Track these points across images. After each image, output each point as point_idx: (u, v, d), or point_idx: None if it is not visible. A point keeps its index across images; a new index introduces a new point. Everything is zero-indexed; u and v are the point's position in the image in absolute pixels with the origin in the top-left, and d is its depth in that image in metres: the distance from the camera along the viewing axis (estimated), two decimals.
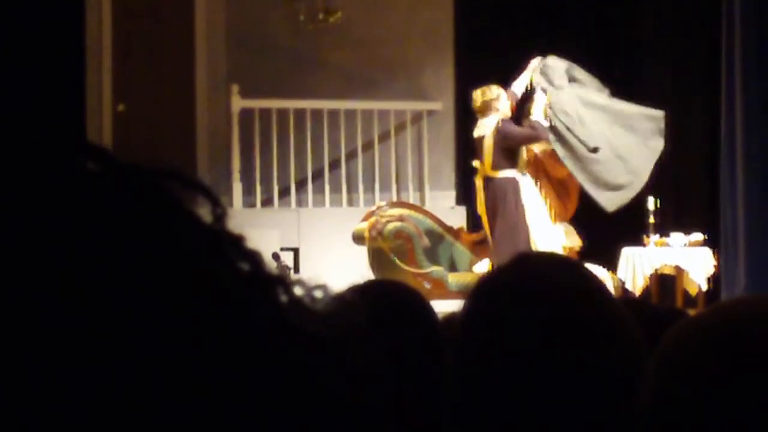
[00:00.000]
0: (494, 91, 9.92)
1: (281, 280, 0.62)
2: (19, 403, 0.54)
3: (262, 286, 0.61)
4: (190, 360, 0.56)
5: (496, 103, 9.86)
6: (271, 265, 0.62)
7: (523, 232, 9.71)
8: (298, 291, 0.63)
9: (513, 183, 9.79)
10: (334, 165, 12.36)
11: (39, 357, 0.54)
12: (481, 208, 9.90)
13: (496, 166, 9.78)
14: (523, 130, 9.79)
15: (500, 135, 9.72)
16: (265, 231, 10.59)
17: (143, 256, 0.57)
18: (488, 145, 9.78)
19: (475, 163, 10.00)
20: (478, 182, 9.93)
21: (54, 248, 0.56)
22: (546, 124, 9.90)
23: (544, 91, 10.07)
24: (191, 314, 0.57)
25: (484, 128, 9.88)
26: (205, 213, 0.62)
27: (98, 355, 0.55)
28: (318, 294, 0.64)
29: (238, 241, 0.61)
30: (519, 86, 10.11)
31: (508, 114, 9.92)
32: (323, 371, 0.61)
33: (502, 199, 9.73)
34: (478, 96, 9.97)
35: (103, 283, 0.56)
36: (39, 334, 0.55)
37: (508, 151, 9.78)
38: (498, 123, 9.78)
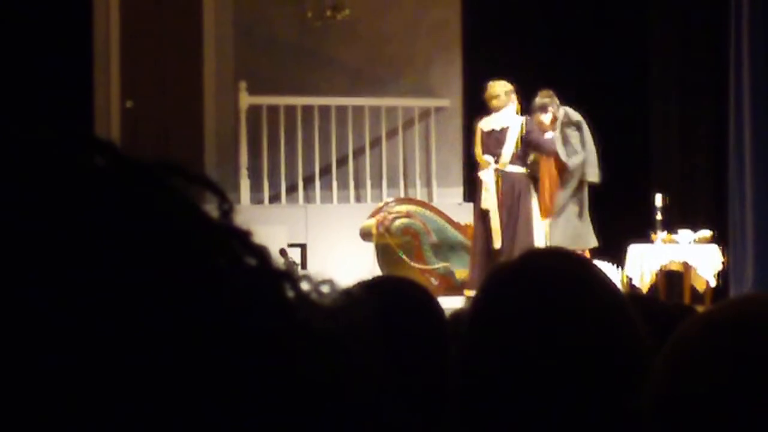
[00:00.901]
0: (506, 84, 9.86)
1: (288, 275, 0.61)
2: (19, 403, 0.54)
3: (269, 281, 0.61)
4: (191, 358, 0.56)
5: (513, 94, 9.82)
6: (279, 260, 0.62)
7: (533, 226, 9.71)
8: (305, 286, 0.62)
9: (527, 179, 9.77)
10: (342, 161, 12.36)
11: (38, 356, 0.54)
12: (492, 203, 9.74)
13: (514, 161, 9.73)
14: (540, 138, 9.73)
15: (525, 131, 9.67)
16: (273, 227, 10.59)
17: (146, 252, 0.57)
18: (513, 137, 9.70)
19: (486, 158, 9.86)
20: (487, 177, 9.79)
21: (55, 245, 0.56)
22: (551, 136, 9.86)
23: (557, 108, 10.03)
24: (194, 311, 0.57)
25: (503, 121, 9.79)
26: (212, 208, 0.62)
27: (95, 354, 0.55)
28: (325, 289, 0.64)
29: (244, 236, 0.61)
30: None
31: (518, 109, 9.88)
32: (328, 368, 0.60)
33: (523, 193, 9.69)
34: (495, 87, 9.85)
35: (103, 281, 0.56)
36: (38, 332, 0.55)
37: (525, 149, 9.74)
38: (525, 120, 9.73)
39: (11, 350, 0.54)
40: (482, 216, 9.80)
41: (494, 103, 9.85)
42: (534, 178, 9.90)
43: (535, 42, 12.02)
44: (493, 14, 12.16)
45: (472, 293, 9.50)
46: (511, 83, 9.91)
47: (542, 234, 9.80)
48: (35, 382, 0.54)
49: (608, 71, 12.11)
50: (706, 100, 11.85)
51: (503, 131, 9.75)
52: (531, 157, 9.91)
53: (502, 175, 9.73)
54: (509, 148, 9.70)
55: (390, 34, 12.56)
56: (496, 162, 9.75)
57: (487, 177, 9.77)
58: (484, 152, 9.86)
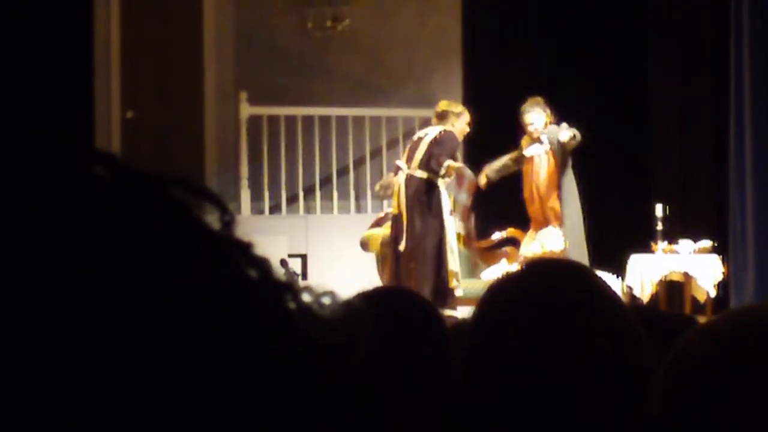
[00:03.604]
0: (460, 107, 10.09)
1: (290, 287, 0.61)
2: (18, 404, 0.54)
3: (270, 292, 0.61)
4: (193, 367, 0.56)
5: (455, 118, 10.00)
6: (280, 272, 0.62)
7: (438, 233, 9.76)
8: (306, 298, 0.62)
9: (432, 184, 9.83)
10: (343, 171, 12.36)
11: (38, 356, 0.54)
12: (399, 207, 9.87)
13: (422, 166, 9.82)
14: (452, 156, 9.81)
15: (438, 140, 9.78)
16: (273, 237, 10.59)
17: (145, 261, 0.57)
18: (425, 144, 9.85)
19: (400, 163, 10.02)
20: (399, 182, 9.93)
21: (57, 253, 0.56)
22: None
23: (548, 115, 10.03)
24: (195, 322, 0.57)
25: (428, 130, 9.96)
26: (213, 220, 0.62)
27: (95, 362, 0.55)
28: (326, 301, 0.64)
29: (246, 247, 0.61)
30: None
31: (460, 133, 9.99)
32: (330, 379, 0.60)
33: (423, 197, 9.79)
34: (444, 104, 10.18)
35: (102, 285, 0.56)
36: (39, 332, 0.55)
37: (436, 158, 9.81)
38: (442, 130, 9.84)
39: (12, 349, 0.54)
40: (394, 220, 9.93)
41: (435, 116, 10.14)
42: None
43: (536, 49, 12.03)
44: (494, 22, 12.17)
45: None
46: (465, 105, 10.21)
47: (453, 240, 9.83)
48: (36, 382, 0.54)
49: (609, 80, 12.12)
50: (707, 109, 11.85)
51: (421, 139, 9.98)
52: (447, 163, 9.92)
53: (409, 179, 9.80)
54: (419, 154, 9.84)
55: (390, 43, 12.57)
56: (409, 167, 9.87)
57: (399, 180, 9.89)
58: (407, 158, 9.96)
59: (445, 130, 9.89)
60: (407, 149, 10.17)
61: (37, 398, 0.54)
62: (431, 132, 9.96)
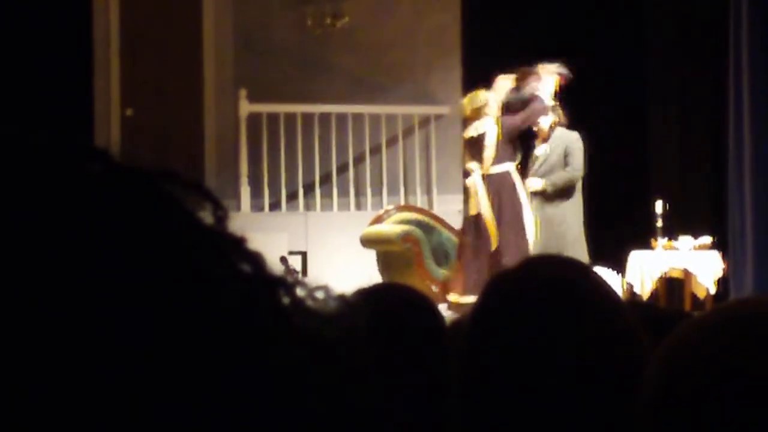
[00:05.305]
0: (482, 97, 10.01)
1: (283, 282, 0.62)
2: (17, 404, 0.54)
3: (263, 287, 0.61)
4: (190, 368, 0.56)
5: (485, 108, 9.92)
6: (275, 267, 0.62)
7: (524, 223, 9.76)
8: (300, 292, 0.63)
9: (510, 177, 9.82)
10: (342, 169, 12.36)
11: (39, 363, 0.55)
12: (481, 208, 9.81)
13: (497, 161, 9.81)
14: (520, 115, 9.82)
15: (505, 129, 9.78)
16: (273, 235, 10.59)
17: (138, 257, 0.57)
18: (491, 141, 9.81)
19: (471, 165, 9.98)
20: (473, 183, 9.90)
21: (49, 249, 0.56)
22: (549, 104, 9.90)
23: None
24: (188, 316, 0.57)
25: (482, 128, 9.91)
26: (207, 216, 0.62)
27: (95, 363, 0.55)
28: (320, 296, 0.64)
29: (239, 242, 0.61)
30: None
31: (499, 114, 9.98)
32: (324, 373, 0.61)
33: (507, 192, 9.77)
34: (467, 104, 10.08)
35: (96, 285, 0.56)
36: (39, 339, 0.55)
37: (510, 143, 9.86)
38: (498, 119, 9.82)
39: (12, 350, 0.54)
40: (473, 222, 9.87)
41: (469, 119, 10.06)
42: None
43: (535, 48, 12.01)
44: (493, 20, 12.16)
45: (459, 298, 9.58)
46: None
47: (530, 225, 9.83)
48: (35, 382, 0.54)
49: (608, 79, 12.11)
50: (706, 106, 11.84)
51: (481, 136, 9.87)
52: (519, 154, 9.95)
53: (487, 179, 9.78)
54: (489, 151, 9.78)
55: (389, 41, 12.56)
56: (481, 167, 9.85)
57: (473, 182, 9.86)
58: (469, 160, 9.96)
59: (501, 118, 9.86)
60: (466, 151, 10.09)
61: (37, 399, 0.54)
62: (488, 130, 9.89)
